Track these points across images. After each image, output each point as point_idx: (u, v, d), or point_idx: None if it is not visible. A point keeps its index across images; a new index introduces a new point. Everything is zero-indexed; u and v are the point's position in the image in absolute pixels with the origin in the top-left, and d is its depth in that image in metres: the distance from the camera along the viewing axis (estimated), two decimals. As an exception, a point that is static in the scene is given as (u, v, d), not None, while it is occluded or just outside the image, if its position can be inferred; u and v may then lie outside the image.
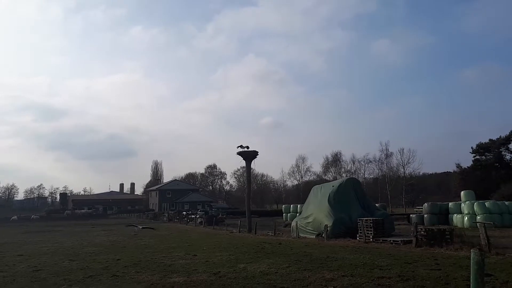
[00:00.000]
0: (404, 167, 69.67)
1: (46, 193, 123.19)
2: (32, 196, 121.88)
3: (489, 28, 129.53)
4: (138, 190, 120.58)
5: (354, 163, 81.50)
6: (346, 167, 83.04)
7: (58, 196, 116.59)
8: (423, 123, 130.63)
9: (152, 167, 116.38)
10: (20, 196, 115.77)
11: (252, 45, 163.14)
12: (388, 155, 72.13)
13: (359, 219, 18.19)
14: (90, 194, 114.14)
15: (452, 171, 69.59)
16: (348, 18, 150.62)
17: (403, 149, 69.94)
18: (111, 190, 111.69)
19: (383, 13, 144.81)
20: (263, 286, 8.18)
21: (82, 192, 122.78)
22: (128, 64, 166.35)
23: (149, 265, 11.92)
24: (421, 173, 74.95)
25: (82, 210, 79.47)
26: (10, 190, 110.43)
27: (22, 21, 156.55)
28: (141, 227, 19.55)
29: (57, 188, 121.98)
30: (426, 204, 31.65)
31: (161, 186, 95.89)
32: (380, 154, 73.52)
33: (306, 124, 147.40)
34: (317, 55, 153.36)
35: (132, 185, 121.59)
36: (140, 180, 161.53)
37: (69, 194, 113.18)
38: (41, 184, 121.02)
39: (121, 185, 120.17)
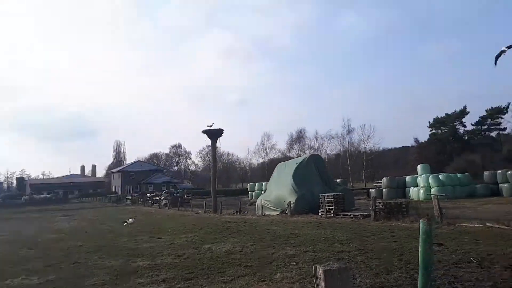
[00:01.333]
0: (364, 142, 72.02)
1: (2, 178, 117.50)
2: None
3: (448, 6, 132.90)
4: (100, 173, 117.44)
5: (317, 139, 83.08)
6: (309, 143, 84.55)
7: (14, 181, 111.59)
8: (383, 99, 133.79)
9: (114, 148, 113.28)
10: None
11: (217, 19, 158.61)
12: (350, 131, 74.05)
13: (321, 195, 18.70)
14: (50, 178, 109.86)
15: (410, 145, 72.90)
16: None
17: (364, 125, 72.12)
18: (71, 173, 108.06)
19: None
20: (228, 266, 8.31)
21: (40, 176, 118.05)
22: (88, 37, 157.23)
23: (112, 250, 11.77)
24: (381, 148, 77.75)
25: (41, 195, 76.57)
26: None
27: None
28: (131, 220, 19.15)
29: (13, 173, 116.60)
30: (384, 178, 32.99)
31: (124, 167, 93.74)
32: (342, 130, 75.36)
33: (272, 101, 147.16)
34: (284, 29, 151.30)
35: (94, 167, 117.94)
36: (102, 162, 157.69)
37: (26, 179, 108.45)
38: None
39: (82, 168, 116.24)
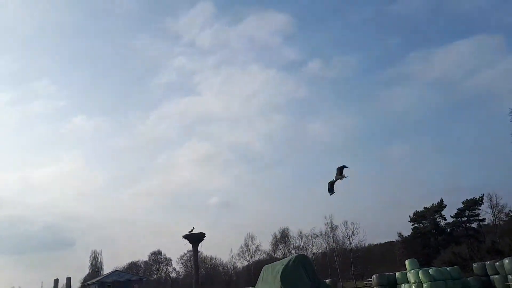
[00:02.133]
0: (349, 239, 71.02)
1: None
2: None
3: (414, 106, 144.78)
4: (75, 285, 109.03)
5: (301, 238, 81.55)
6: (294, 243, 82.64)
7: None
8: (363, 195, 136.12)
9: (90, 258, 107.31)
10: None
11: (195, 130, 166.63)
12: (334, 228, 73.43)
13: (311, 297, 18.07)
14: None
15: (395, 240, 72.25)
16: (282, 102, 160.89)
17: (346, 222, 71.82)
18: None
19: (314, 99, 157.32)
20: None
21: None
22: (69, 153, 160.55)
23: None
24: (366, 244, 76.54)
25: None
26: None
27: None
28: None
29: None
30: (374, 276, 32.08)
31: (101, 278, 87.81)
32: (326, 227, 74.71)
33: (253, 202, 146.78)
34: (258, 137, 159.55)
35: (68, 280, 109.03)
36: (78, 274, 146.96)
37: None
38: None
39: (56, 281, 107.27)
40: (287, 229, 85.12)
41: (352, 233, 70.44)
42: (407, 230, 63.94)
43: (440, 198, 60.08)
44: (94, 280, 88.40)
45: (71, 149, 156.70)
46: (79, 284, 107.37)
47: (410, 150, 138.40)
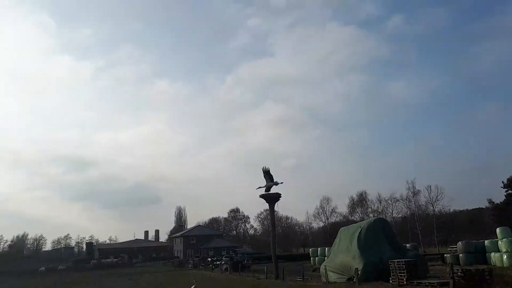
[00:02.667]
0: (433, 204, 67.47)
1: (73, 243, 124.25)
2: (59, 246, 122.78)
3: (507, 63, 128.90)
4: (163, 237, 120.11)
5: (380, 202, 79.59)
6: (372, 206, 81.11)
7: (84, 246, 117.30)
8: (449, 159, 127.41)
9: (175, 213, 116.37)
10: (47, 246, 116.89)
11: (270, 92, 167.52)
12: (415, 193, 70.18)
13: (391, 261, 17.57)
14: (116, 243, 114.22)
15: (484, 207, 66.97)
16: (362, 63, 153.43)
17: (430, 186, 68.08)
18: (136, 237, 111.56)
19: (396, 57, 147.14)
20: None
21: (107, 241, 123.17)
22: (153, 116, 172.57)
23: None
24: (451, 210, 72.19)
25: (108, 260, 79.42)
26: (38, 241, 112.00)
27: (57, 82, 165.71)
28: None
29: (83, 238, 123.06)
30: (460, 243, 30.24)
31: (185, 232, 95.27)
32: (407, 192, 71.67)
33: (329, 165, 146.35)
34: (335, 98, 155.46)
35: (157, 232, 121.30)
36: (165, 227, 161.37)
37: (95, 244, 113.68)
38: (68, 234, 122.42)
39: (146, 233, 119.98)
40: (365, 192, 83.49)
41: (436, 198, 66.73)
42: (498, 196, 58.70)
43: (541, 162, 53.68)
44: (179, 234, 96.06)
45: (155, 112, 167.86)
46: (166, 236, 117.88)
47: (504, 111, 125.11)
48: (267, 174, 27.05)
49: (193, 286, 19.07)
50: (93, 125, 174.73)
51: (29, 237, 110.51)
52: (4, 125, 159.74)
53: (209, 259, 52.50)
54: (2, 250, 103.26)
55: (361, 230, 21.48)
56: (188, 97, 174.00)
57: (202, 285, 22.39)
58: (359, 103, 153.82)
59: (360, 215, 79.65)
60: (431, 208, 67.84)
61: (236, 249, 79.90)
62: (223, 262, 41.40)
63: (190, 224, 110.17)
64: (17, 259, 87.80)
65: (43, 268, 64.31)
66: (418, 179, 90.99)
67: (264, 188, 27.36)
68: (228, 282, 25.51)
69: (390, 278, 17.22)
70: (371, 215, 75.31)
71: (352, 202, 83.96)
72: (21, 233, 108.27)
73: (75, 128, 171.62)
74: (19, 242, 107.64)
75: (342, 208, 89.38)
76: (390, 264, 17.43)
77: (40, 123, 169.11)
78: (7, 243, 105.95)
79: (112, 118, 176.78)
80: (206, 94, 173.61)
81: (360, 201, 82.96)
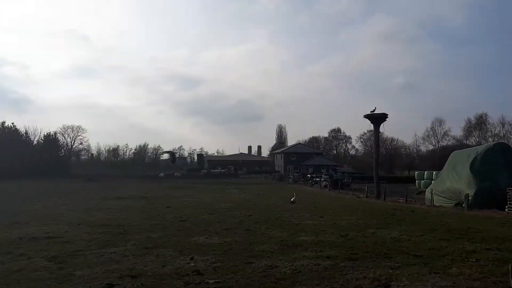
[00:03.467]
0: None
1: (186, 154, 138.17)
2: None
3: None
4: (264, 153, 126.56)
5: (503, 126, 71.00)
6: (493, 130, 73.06)
7: (195, 157, 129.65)
8: None
9: (276, 131, 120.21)
10: (164, 156, 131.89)
11: (379, 4, 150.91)
12: (549, 117, 60.66)
13: (509, 189, 15.91)
14: (223, 155, 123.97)
15: None
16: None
17: None
18: (240, 152, 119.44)
19: None
20: (395, 253, 7.83)
21: (215, 153, 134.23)
22: (255, 32, 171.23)
23: (278, 222, 12.51)
24: None
25: (216, 170, 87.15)
26: (156, 151, 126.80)
27: (166, 3, 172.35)
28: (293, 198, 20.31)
29: (194, 150, 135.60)
30: None
31: (286, 149, 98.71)
32: (539, 114, 62.27)
33: (443, 84, 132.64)
34: (456, 9, 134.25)
35: (259, 147, 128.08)
36: (266, 143, 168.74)
37: (204, 155, 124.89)
38: (181, 146, 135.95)
39: (249, 148, 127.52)
40: (486, 114, 74.91)
41: None
42: None
43: None
44: (280, 150, 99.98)
45: (257, 28, 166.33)
46: (267, 152, 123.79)
47: None
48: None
49: (293, 198, 19.96)
50: (199, 43, 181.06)
51: (149, 147, 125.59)
52: (123, 44, 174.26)
53: (309, 175, 54.10)
54: (128, 157, 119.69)
55: (477, 155, 19.57)
56: (290, 12, 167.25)
57: (302, 197, 23.33)
58: (483, 13, 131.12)
59: (477, 139, 72.67)
60: None
61: (336, 168, 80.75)
62: (322, 179, 42.37)
63: (290, 141, 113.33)
64: (140, 165, 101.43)
65: (162, 174, 73.36)
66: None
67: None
68: (327, 197, 26.15)
69: (506, 207, 15.74)
70: (490, 139, 68.16)
71: (468, 125, 76.58)
72: (142, 143, 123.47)
73: (184, 47, 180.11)
74: (141, 151, 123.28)
75: (456, 131, 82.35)
76: (508, 192, 15.81)
77: (155, 43, 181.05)
78: (131, 151, 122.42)
79: (216, 36, 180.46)
80: (308, 8, 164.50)
81: (478, 124, 75.10)
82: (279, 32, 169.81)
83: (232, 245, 8.56)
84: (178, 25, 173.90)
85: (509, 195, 15.73)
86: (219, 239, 9.35)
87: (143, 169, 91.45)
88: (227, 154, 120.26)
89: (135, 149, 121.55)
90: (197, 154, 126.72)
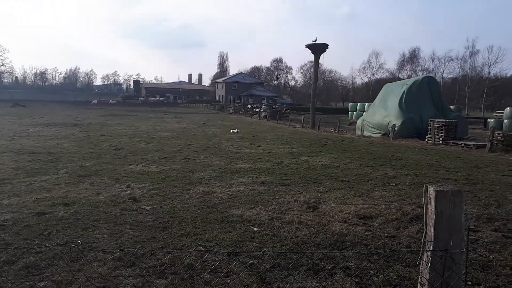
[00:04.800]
0: (490, 67, 63.17)
1: (121, 80, 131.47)
2: (109, 82, 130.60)
3: None
4: (206, 82, 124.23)
5: (433, 60, 75.30)
6: (423, 64, 77.29)
7: (132, 83, 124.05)
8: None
9: (218, 59, 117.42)
10: (98, 81, 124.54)
11: None
12: (474, 53, 65.19)
13: (431, 120, 17.37)
14: (161, 83, 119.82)
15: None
16: None
17: (492, 47, 62.85)
18: (180, 80, 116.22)
19: None
20: (324, 178, 8.41)
21: (153, 80, 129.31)
22: None
23: (217, 151, 12.70)
24: (508, 75, 67.69)
25: (154, 98, 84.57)
26: (89, 76, 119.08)
27: None
28: (235, 130, 20.27)
29: (130, 76, 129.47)
30: (508, 108, 29.03)
31: (227, 78, 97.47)
32: (465, 51, 66.74)
33: (385, 16, 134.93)
34: None
35: (200, 76, 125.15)
36: (208, 72, 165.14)
37: (141, 82, 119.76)
38: (116, 71, 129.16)
39: (190, 76, 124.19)
40: (418, 49, 78.98)
41: (495, 60, 62.05)
42: None
43: None
44: (221, 79, 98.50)
45: None
46: (209, 81, 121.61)
47: None
48: None
49: (236, 130, 20.16)
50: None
51: (80, 71, 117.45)
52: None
53: (249, 105, 54.50)
54: (58, 82, 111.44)
55: (406, 87, 20.80)
56: None
57: (242, 127, 23.70)
58: None
59: (409, 72, 76.80)
60: (487, 70, 63.86)
61: (276, 99, 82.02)
62: (262, 110, 43.00)
63: (233, 71, 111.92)
64: (71, 91, 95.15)
65: (95, 101, 69.72)
66: (480, 37, 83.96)
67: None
68: (265, 127, 26.79)
69: (426, 137, 17.27)
70: (420, 73, 72.35)
71: (402, 59, 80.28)
72: (73, 66, 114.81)
73: None
74: (72, 75, 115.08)
75: (391, 64, 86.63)
76: (430, 123, 17.26)
77: None
78: (61, 75, 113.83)
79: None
80: None
81: (411, 58, 78.91)
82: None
83: (170, 173, 8.63)
84: None
85: (430, 126, 17.17)
86: (157, 167, 9.34)
87: (75, 94, 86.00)
88: (166, 82, 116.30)
89: (65, 73, 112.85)
90: (134, 81, 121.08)
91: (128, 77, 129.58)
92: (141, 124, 25.56)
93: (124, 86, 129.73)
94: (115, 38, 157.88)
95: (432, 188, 2.14)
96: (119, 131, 19.46)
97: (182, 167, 9.41)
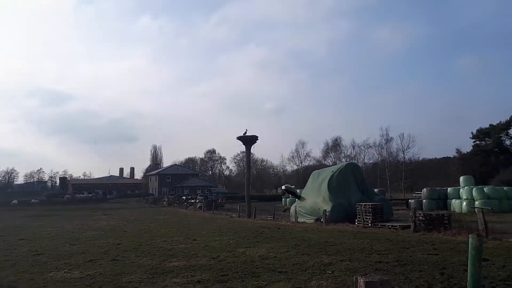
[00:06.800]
0: (404, 152, 69.73)
1: (46, 177, 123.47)
2: (32, 180, 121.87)
3: (485, 18, 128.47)
4: (138, 175, 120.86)
5: (354, 148, 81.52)
6: (346, 152, 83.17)
7: (57, 180, 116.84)
8: (423, 109, 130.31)
9: (151, 152, 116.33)
10: (20, 180, 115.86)
11: (254, 35, 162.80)
12: (388, 140, 72.07)
13: (358, 204, 18.27)
14: (90, 179, 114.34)
15: (452, 156, 69.83)
16: (350, 9, 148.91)
17: (403, 134, 69.95)
18: (110, 174, 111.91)
19: (384, 5, 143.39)
20: (263, 270, 8.23)
21: (82, 177, 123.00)
22: (136, 52, 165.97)
23: (149, 249, 12.01)
24: (420, 158, 75.05)
25: (82, 195, 79.77)
26: (10, 174, 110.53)
27: (34, 8, 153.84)
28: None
29: (56, 172, 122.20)
30: (425, 189, 31.76)
31: (161, 170, 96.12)
32: (380, 139, 73.48)
33: (308, 110, 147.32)
34: (320, 43, 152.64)
35: (132, 169, 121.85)
36: (140, 165, 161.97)
37: (68, 179, 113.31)
38: (40, 168, 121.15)
39: (121, 170, 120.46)
40: (340, 138, 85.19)
41: (407, 146, 68.94)
42: (466, 147, 61.30)
43: (509, 116, 55.46)
44: (154, 172, 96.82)
45: (138, 47, 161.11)
46: (141, 174, 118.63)
47: (481, 65, 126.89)
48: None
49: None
50: (73, 58, 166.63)
51: (0, 169, 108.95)
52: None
53: (184, 197, 53.48)
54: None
55: (332, 174, 22.05)
56: (172, 34, 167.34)
57: (176, 221, 22.94)
58: (343, 48, 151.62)
59: (333, 159, 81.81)
60: (402, 155, 70.36)
61: (211, 189, 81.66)
62: (197, 201, 42.32)
63: (166, 163, 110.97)
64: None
65: (16, 201, 63.98)
66: (392, 127, 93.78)
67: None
68: (201, 219, 26.18)
69: (356, 220, 18.00)
70: (343, 160, 77.40)
71: (326, 147, 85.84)
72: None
73: (55, 60, 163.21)
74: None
75: (317, 152, 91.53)
76: (357, 207, 18.12)
77: (18, 54, 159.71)
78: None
79: (93, 51, 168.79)
80: (190, 31, 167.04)
81: (334, 146, 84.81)
82: (161, 52, 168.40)
83: (96, 278, 7.89)
84: (47, 36, 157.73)
85: (358, 210, 18.03)
86: (81, 272, 8.52)
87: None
88: (95, 177, 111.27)
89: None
90: (60, 178, 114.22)
91: (54, 174, 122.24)
92: (66, 223, 23.67)
93: (49, 184, 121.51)
94: (42, 135, 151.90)
95: (361, 280, 2.24)
96: (41, 233, 17.76)
97: (109, 270, 8.68)
